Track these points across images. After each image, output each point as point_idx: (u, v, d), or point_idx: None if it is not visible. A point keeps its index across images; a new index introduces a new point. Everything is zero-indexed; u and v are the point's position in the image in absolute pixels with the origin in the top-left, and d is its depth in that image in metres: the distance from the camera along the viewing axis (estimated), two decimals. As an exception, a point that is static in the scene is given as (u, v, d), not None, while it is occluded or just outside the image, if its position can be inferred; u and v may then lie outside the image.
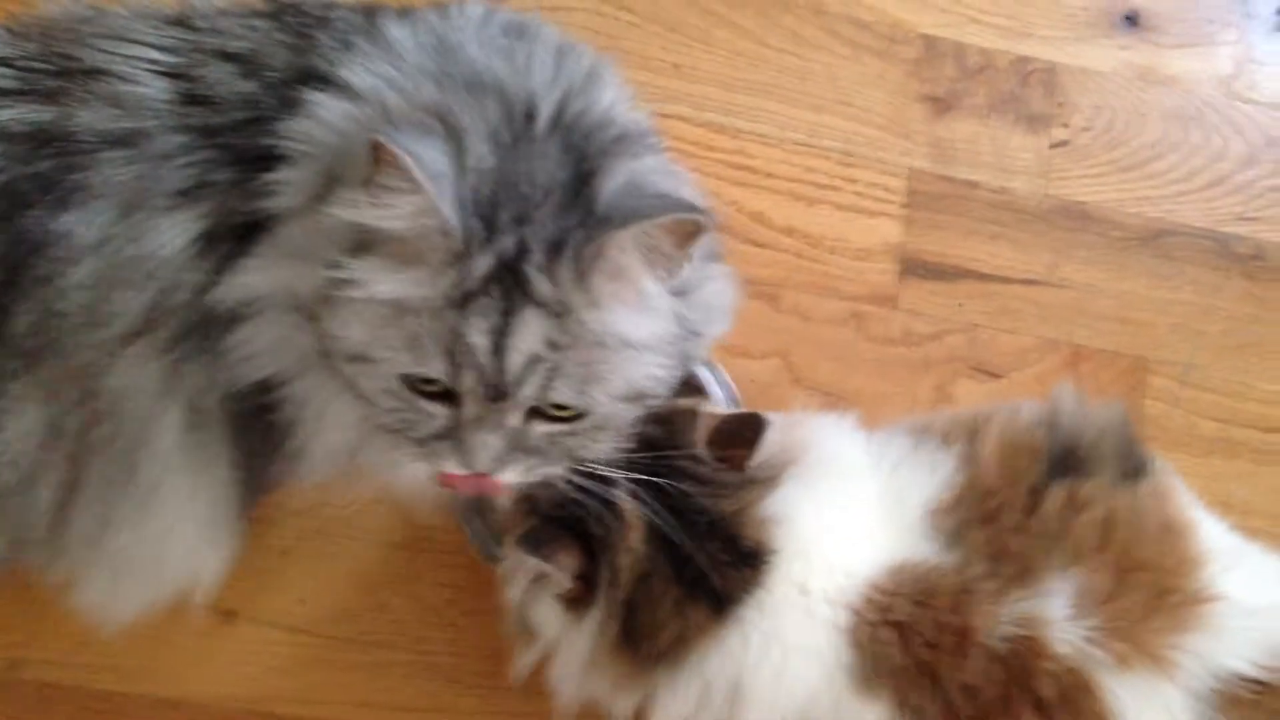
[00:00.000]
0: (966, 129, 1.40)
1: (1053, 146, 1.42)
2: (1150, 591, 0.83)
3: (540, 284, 0.67)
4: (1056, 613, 0.82)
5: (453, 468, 0.74)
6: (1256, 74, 1.50)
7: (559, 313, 0.67)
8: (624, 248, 0.67)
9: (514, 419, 0.71)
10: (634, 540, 0.87)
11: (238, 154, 0.73)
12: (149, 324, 0.75)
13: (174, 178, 0.73)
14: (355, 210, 0.66)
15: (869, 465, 0.93)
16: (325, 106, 0.71)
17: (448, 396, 0.71)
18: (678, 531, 0.85)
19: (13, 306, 0.73)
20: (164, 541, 0.84)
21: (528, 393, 0.69)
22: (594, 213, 0.68)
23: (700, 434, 0.90)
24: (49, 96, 0.73)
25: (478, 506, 1.14)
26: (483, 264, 0.66)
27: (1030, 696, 0.80)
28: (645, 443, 0.88)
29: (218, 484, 0.83)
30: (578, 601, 0.89)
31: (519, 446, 0.73)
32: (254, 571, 1.10)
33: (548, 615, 0.92)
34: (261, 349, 0.76)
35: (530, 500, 0.91)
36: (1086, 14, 1.48)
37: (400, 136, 0.64)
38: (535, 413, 0.72)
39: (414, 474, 0.82)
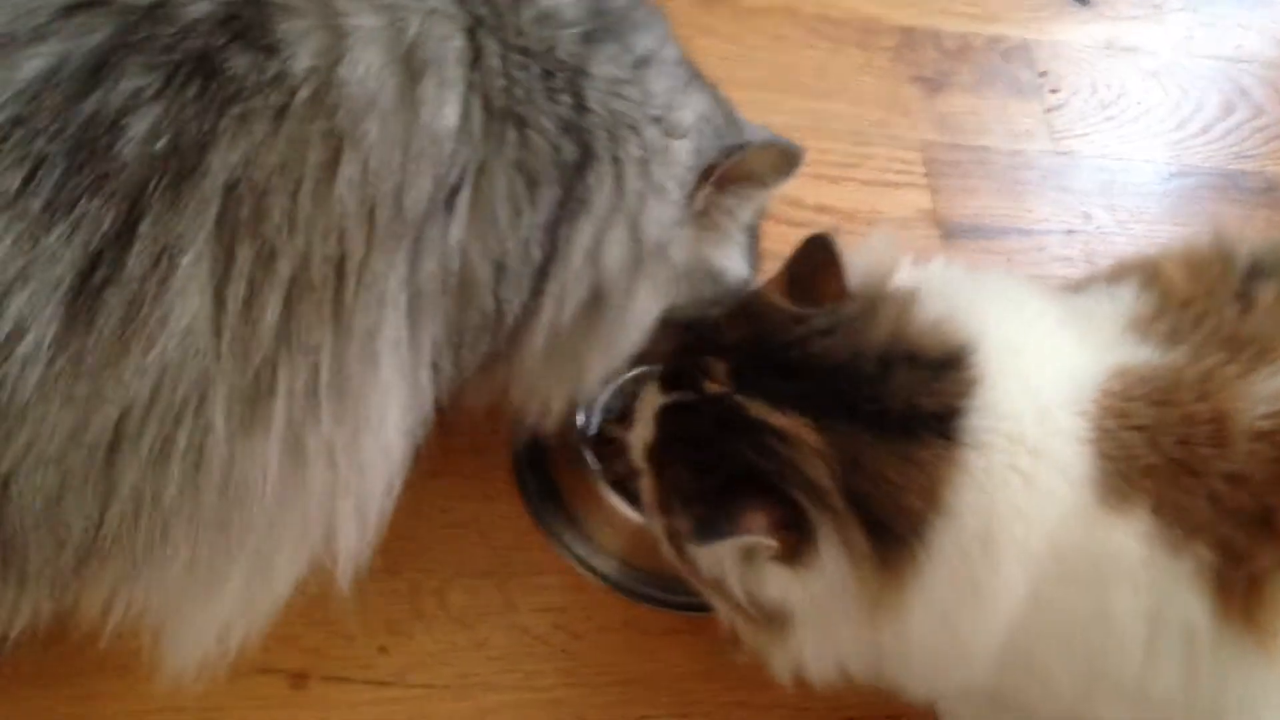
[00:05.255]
0: (963, 102, 1.38)
1: (1048, 111, 1.40)
2: None
3: None
4: None
5: None
6: (1208, 34, 1.54)
7: None
8: None
9: None
10: (809, 439, 0.73)
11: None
12: (431, 209, 0.65)
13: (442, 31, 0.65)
14: None
15: (1013, 286, 0.85)
16: None
17: None
18: (848, 385, 0.73)
19: (209, 157, 0.58)
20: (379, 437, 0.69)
21: None
22: None
23: (774, 294, 0.79)
24: None
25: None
26: None
27: None
28: (737, 346, 0.78)
29: (419, 383, 0.70)
30: (799, 545, 0.75)
31: None
32: (319, 622, 0.91)
33: (782, 584, 0.77)
34: None
35: (678, 488, 0.79)
36: (1040, -1, 1.51)
37: None
38: None
39: None
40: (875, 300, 0.77)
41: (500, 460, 1.01)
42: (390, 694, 0.90)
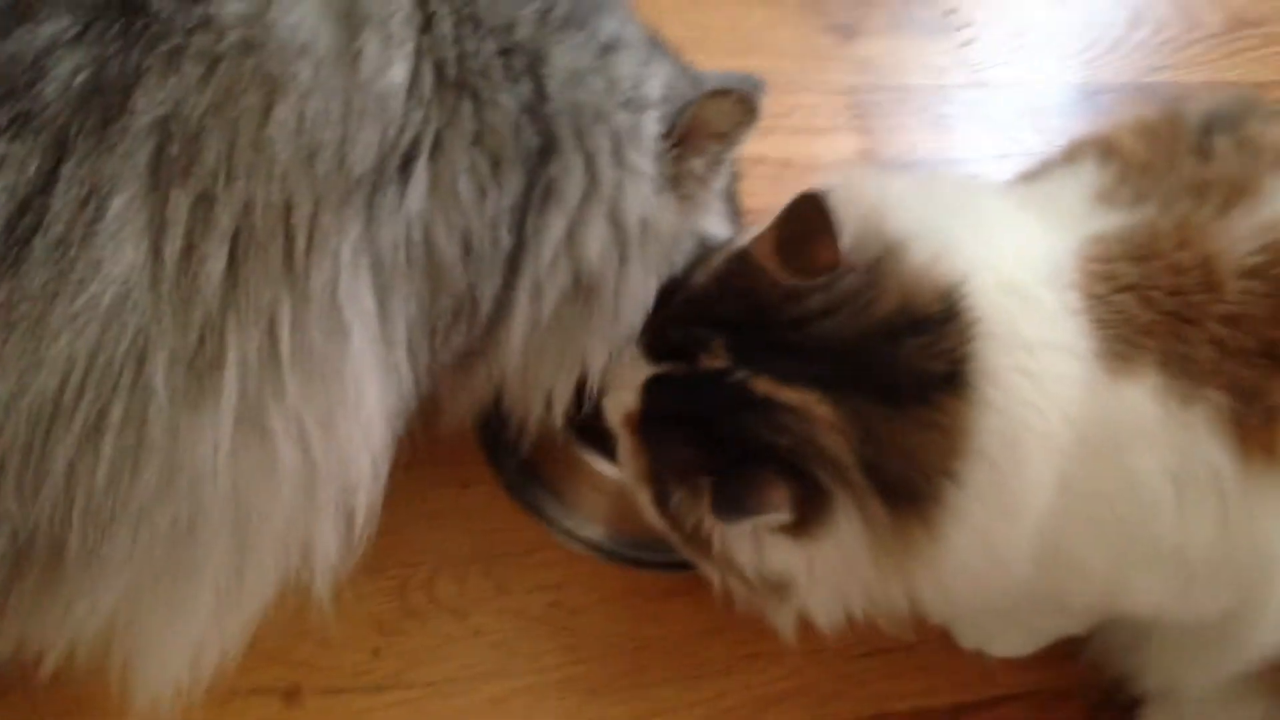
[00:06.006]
0: (879, 46, 1.37)
1: (961, 46, 1.41)
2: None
3: None
4: None
5: None
6: (1101, -42, 1.56)
7: None
8: None
9: None
10: (823, 413, 0.71)
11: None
12: (379, 169, 0.62)
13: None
14: None
15: (975, 183, 0.85)
16: None
17: None
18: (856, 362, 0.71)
19: (135, 95, 0.55)
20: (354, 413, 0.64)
21: None
22: None
23: (767, 262, 0.75)
24: None
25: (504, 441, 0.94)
26: None
27: None
28: (733, 322, 0.74)
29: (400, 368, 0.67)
30: (809, 518, 0.73)
31: None
32: (304, 634, 0.85)
33: (785, 554, 0.75)
34: None
35: (677, 462, 0.77)
36: (936, -59, 1.52)
37: None
38: None
39: None
40: (872, 269, 0.73)
41: (471, 443, 0.97)
42: (390, 698, 0.85)
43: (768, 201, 1.18)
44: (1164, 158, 0.78)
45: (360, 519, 0.67)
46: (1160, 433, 0.69)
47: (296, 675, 0.84)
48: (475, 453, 0.97)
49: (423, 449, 0.94)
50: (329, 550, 0.67)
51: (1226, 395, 0.68)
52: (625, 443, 0.81)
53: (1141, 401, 0.69)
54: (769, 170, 1.21)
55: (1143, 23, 1.49)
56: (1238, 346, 0.68)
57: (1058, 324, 0.71)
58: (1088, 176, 0.80)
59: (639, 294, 0.76)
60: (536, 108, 0.69)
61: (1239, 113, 0.80)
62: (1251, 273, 0.70)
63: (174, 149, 0.56)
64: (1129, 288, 0.71)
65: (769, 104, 1.27)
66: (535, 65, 0.69)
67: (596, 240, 0.73)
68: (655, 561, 0.93)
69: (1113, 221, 0.75)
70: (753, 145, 1.24)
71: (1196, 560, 0.72)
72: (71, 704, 0.78)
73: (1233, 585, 0.73)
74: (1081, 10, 1.49)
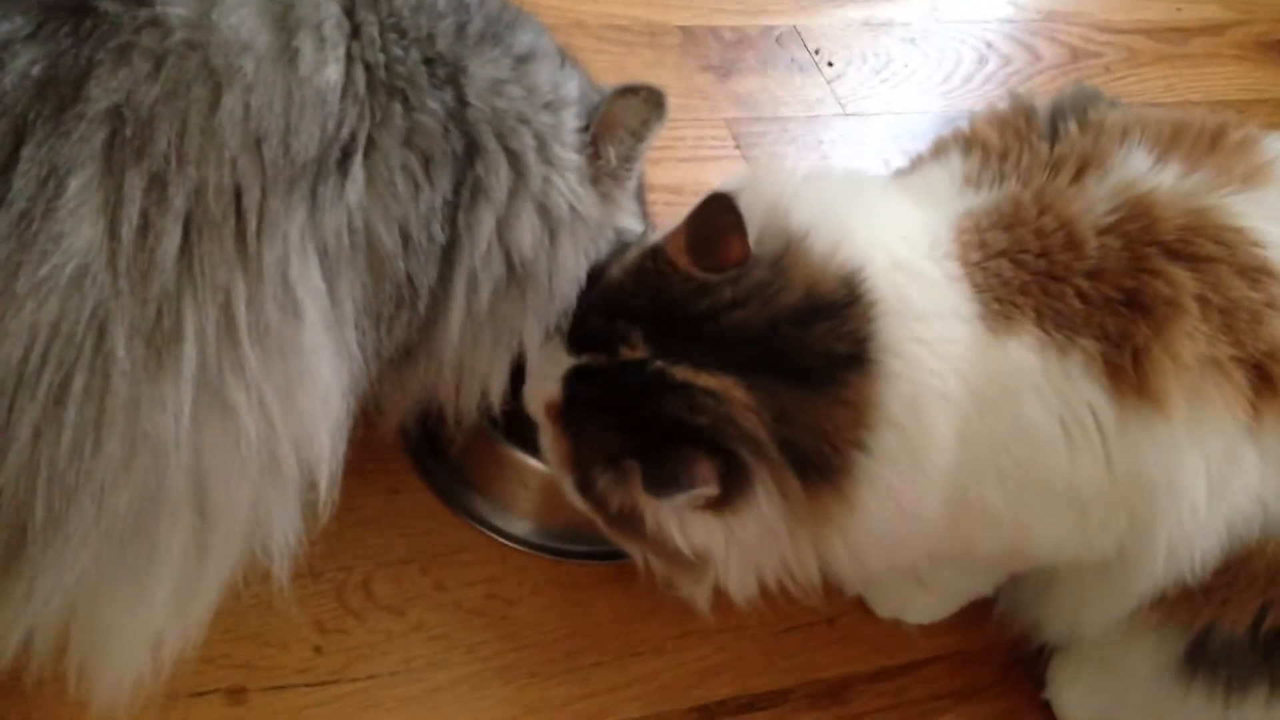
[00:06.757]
0: (754, 83, 1.47)
1: (830, 82, 1.51)
2: (1205, 137, 0.84)
3: None
4: (1141, 168, 0.80)
5: None
6: (950, 3, 1.70)
7: None
8: None
9: None
10: (739, 396, 0.76)
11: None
12: (321, 160, 0.66)
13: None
14: None
15: (860, 177, 0.94)
16: None
17: None
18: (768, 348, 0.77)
19: (89, 85, 0.58)
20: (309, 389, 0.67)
21: None
22: None
23: (679, 258, 0.80)
24: None
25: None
26: None
27: (1158, 247, 0.77)
28: (649, 314, 0.79)
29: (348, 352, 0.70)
30: (729, 494, 0.78)
31: None
32: (245, 637, 0.87)
33: (708, 531, 0.80)
34: None
35: (602, 448, 0.81)
36: (801, -10, 1.64)
37: None
38: None
39: None
40: (778, 261, 0.79)
41: (399, 453, 1.00)
42: (335, 691, 0.87)
43: (664, 225, 1.26)
44: (1019, 143, 0.86)
45: (323, 493, 0.69)
46: (1044, 381, 0.76)
47: (239, 676, 0.85)
48: (403, 462, 1.00)
49: (352, 459, 0.97)
50: (289, 530, 0.69)
51: (1097, 342, 0.76)
52: (548, 431, 0.86)
53: (1024, 354, 0.76)
54: (661, 196, 1.28)
55: (990, 59, 1.63)
56: (1102, 297, 0.76)
57: (942, 292, 0.78)
58: (954, 165, 0.88)
59: (571, 273, 0.81)
60: (458, 114, 0.73)
61: (1082, 101, 0.90)
62: (1108, 230, 0.78)
63: (127, 134, 0.59)
64: (1001, 253, 0.79)
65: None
66: (456, 75, 0.73)
67: (528, 231, 0.77)
68: (584, 553, 0.97)
69: (980, 199, 0.83)
70: (645, 175, 1.32)
71: (1088, 495, 0.79)
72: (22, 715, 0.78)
73: (1123, 517, 0.79)
74: (935, 49, 1.61)
